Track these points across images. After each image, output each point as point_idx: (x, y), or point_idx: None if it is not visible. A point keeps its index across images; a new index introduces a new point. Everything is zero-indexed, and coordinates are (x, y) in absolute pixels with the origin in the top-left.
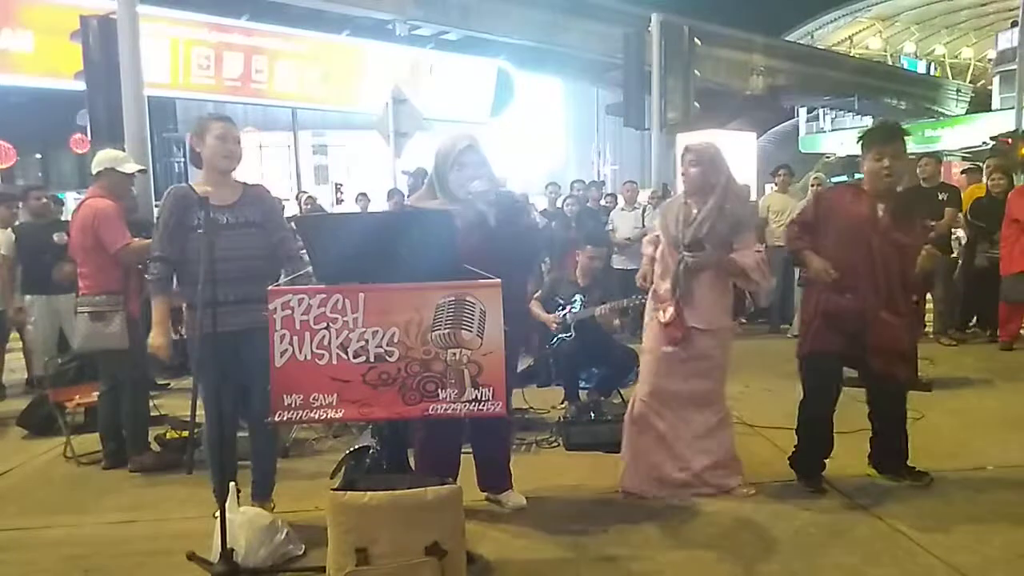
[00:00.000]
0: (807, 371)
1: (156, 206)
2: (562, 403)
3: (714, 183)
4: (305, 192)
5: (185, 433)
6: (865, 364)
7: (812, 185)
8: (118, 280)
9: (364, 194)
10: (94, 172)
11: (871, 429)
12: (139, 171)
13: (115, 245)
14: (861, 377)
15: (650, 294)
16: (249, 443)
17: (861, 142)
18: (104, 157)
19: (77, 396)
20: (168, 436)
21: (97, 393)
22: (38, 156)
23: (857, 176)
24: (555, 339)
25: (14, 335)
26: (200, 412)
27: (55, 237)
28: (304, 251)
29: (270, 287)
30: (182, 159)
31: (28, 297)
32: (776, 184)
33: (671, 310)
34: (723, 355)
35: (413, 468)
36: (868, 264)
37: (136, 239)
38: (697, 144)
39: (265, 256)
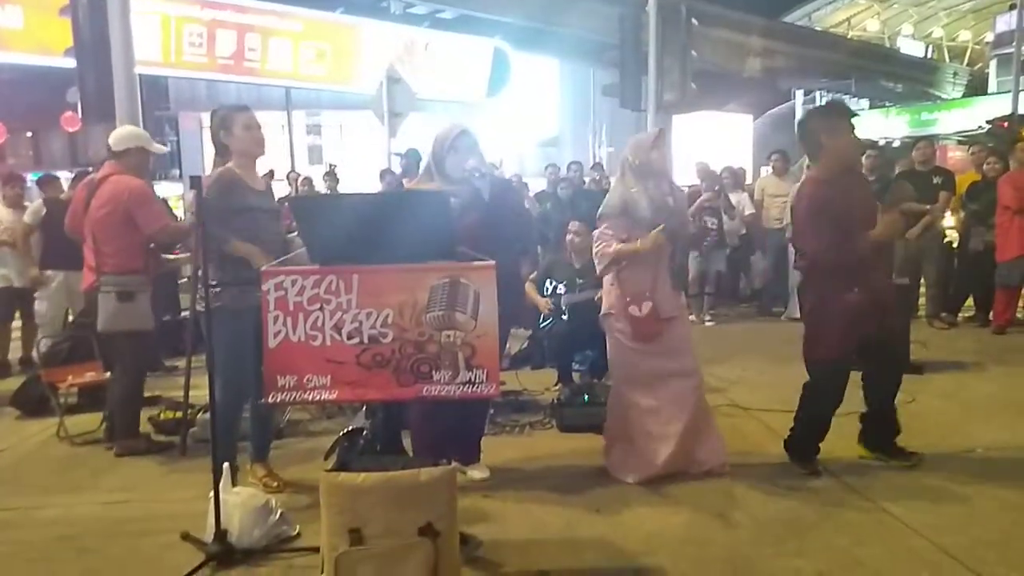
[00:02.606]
0: (830, 374)
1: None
2: (555, 385)
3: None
4: (299, 173)
5: (180, 414)
6: (872, 344)
7: (807, 167)
8: (142, 259)
9: (332, 172)
10: (118, 149)
11: (866, 408)
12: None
13: (153, 225)
14: (860, 357)
15: (612, 287)
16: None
17: (821, 120)
18: (131, 134)
19: (70, 376)
20: (162, 417)
21: (92, 373)
22: (29, 134)
23: None
24: (549, 321)
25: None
26: (193, 393)
27: None
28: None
29: (263, 268)
30: (174, 138)
31: (48, 272)
32: (772, 168)
33: (650, 304)
34: (689, 336)
35: (408, 449)
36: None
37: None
38: (649, 134)
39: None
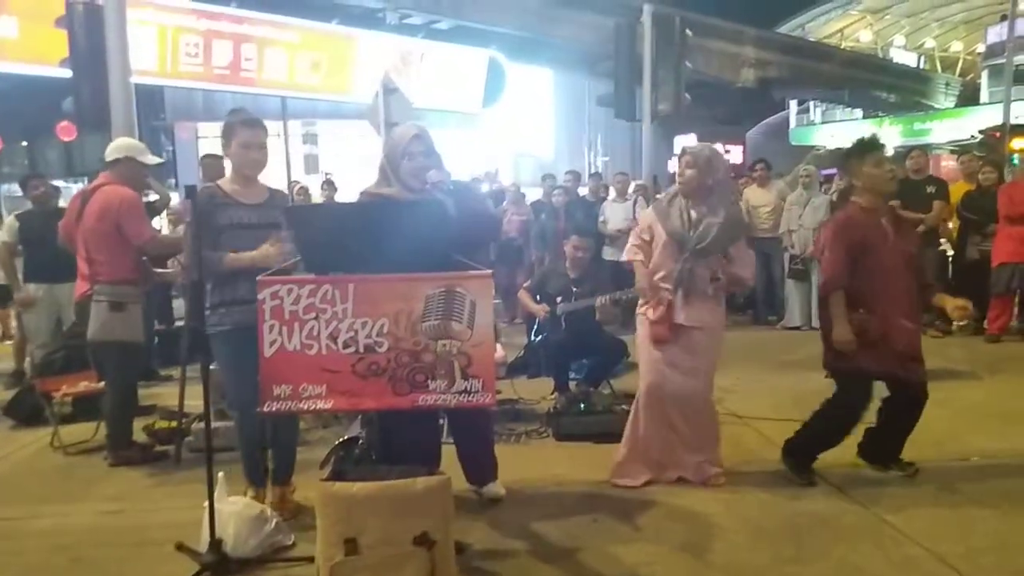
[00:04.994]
0: (850, 395)
1: (146, 194)
2: (552, 394)
3: (709, 185)
4: (298, 182)
5: (174, 423)
6: (891, 376)
7: (801, 176)
8: (135, 270)
9: (330, 181)
10: (110, 159)
11: (877, 422)
12: (158, 164)
13: (141, 237)
14: (886, 382)
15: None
16: (239, 432)
17: (854, 153)
18: (122, 145)
19: (64, 386)
20: (157, 426)
21: (85, 383)
22: (24, 144)
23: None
24: (543, 336)
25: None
26: (188, 403)
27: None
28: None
29: (258, 277)
30: (170, 148)
31: (32, 285)
32: (755, 178)
33: (661, 308)
34: (715, 352)
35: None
36: (890, 280)
37: (162, 232)
38: (694, 146)
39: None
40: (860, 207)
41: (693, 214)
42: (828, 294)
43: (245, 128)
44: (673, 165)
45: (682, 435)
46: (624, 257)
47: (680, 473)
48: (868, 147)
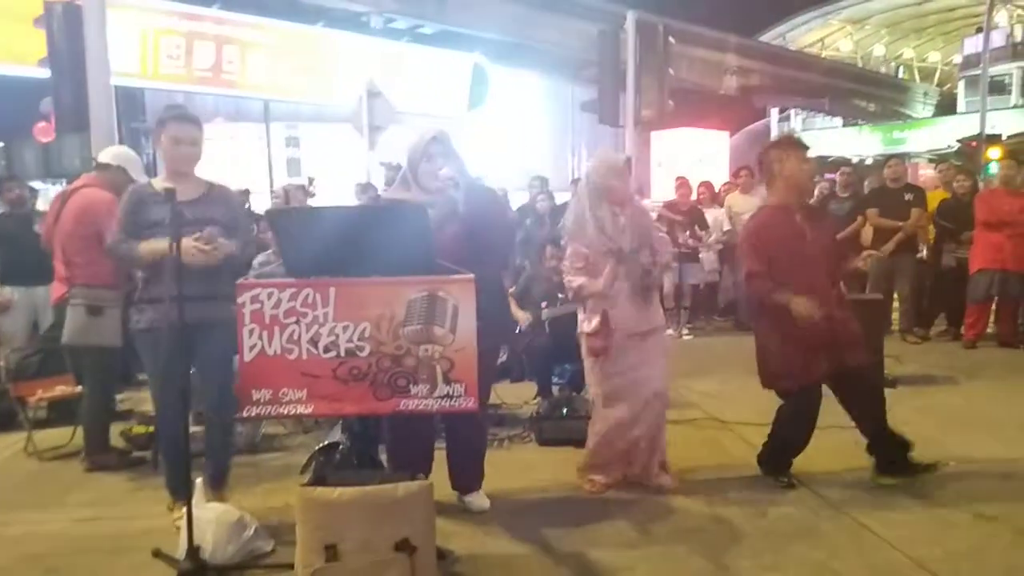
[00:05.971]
0: (800, 402)
1: None
2: (535, 398)
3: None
4: (292, 184)
5: (152, 428)
6: (838, 370)
7: None
8: (113, 273)
9: (303, 186)
10: (102, 161)
11: (865, 438)
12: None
13: None
14: (834, 387)
15: (582, 305)
16: (157, 437)
17: (774, 151)
18: (120, 154)
19: (40, 390)
20: (134, 431)
21: (62, 387)
22: (0, 144)
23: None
24: (528, 337)
25: None
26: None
27: (36, 228)
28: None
29: (238, 281)
30: (151, 151)
31: (8, 288)
32: (739, 185)
33: (596, 320)
34: (662, 352)
35: (385, 465)
36: (814, 275)
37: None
38: (618, 156)
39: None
40: (773, 208)
41: (620, 221)
42: (763, 295)
43: (175, 122)
44: (657, 171)
45: (642, 438)
46: (567, 288)
47: (638, 475)
48: (793, 144)
